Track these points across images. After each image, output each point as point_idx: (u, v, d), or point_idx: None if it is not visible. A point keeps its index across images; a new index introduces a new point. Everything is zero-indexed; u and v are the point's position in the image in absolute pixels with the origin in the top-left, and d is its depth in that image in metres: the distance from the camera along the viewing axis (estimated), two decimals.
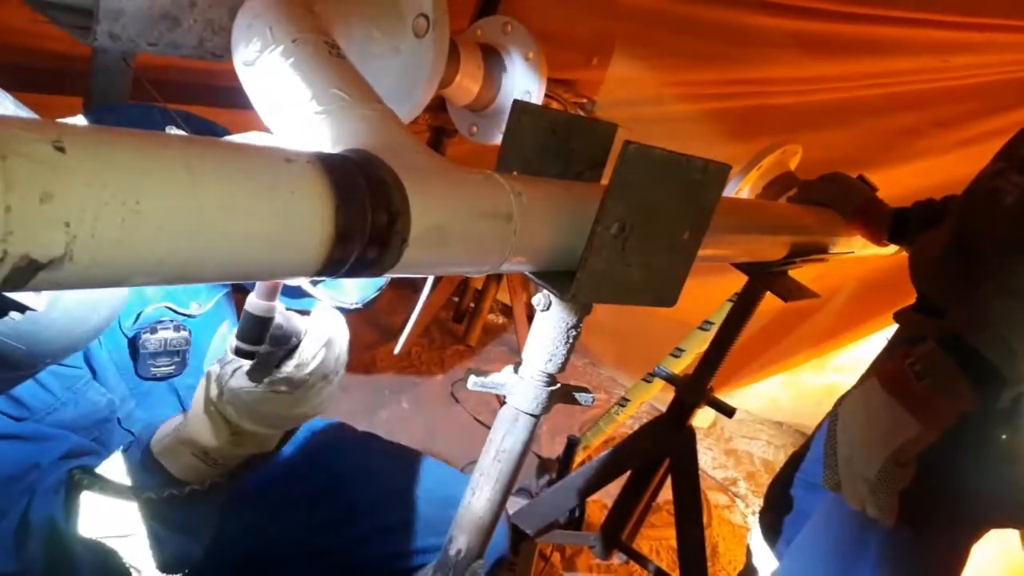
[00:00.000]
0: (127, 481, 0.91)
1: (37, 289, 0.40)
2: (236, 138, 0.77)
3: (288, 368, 0.84)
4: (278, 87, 0.71)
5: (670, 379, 1.66)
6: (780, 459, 3.18)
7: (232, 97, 0.86)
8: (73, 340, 0.79)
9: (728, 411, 1.63)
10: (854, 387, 1.11)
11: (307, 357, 0.85)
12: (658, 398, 2.66)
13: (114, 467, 0.92)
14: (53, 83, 1.53)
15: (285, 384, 0.84)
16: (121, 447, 0.97)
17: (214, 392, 0.86)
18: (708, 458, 3.15)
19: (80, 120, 0.98)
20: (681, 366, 2.30)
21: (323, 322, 0.87)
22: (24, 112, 0.78)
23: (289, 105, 0.70)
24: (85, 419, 0.99)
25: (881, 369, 1.03)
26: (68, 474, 0.86)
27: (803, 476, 1.60)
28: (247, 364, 0.83)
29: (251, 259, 0.49)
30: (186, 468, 0.90)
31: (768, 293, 1.44)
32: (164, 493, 0.87)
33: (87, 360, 0.99)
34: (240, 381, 0.84)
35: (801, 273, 1.47)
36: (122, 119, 1.07)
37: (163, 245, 0.43)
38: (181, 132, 0.75)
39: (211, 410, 0.87)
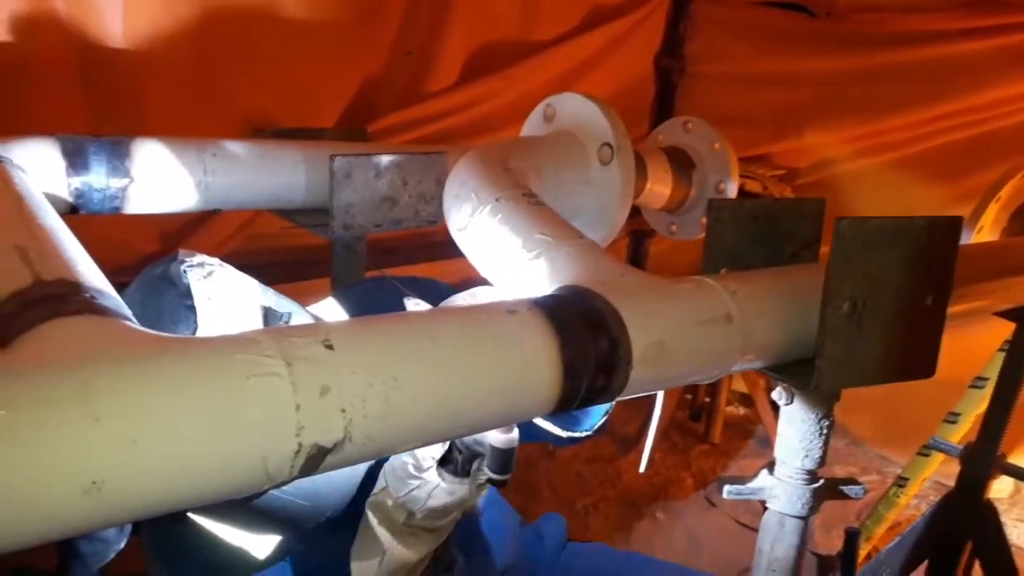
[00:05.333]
0: None
1: (326, 470, 0.46)
2: (463, 298, 0.84)
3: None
4: (491, 242, 0.78)
5: (951, 451, 1.48)
6: None
7: (446, 250, 0.96)
8: (346, 492, 0.88)
9: None
10: None
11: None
12: (941, 472, 2.35)
13: None
14: (302, 272, 1.78)
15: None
16: None
17: (403, 518, 0.91)
18: (1020, 531, 2.69)
19: (331, 303, 1.12)
20: (960, 433, 2.03)
21: None
22: (283, 299, 0.91)
23: (503, 256, 0.76)
24: None
25: None
26: None
27: None
28: (440, 483, 0.89)
29: (496, 409, 0.53)
30: None
31: None
32: None
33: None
34: (442, 498, 0.90)
35: None
36: (363, 295, 1.21)
37: (422, 412, 0.48)
38: (418, 301, 0.84)
39: (408, 530, 0.92)
